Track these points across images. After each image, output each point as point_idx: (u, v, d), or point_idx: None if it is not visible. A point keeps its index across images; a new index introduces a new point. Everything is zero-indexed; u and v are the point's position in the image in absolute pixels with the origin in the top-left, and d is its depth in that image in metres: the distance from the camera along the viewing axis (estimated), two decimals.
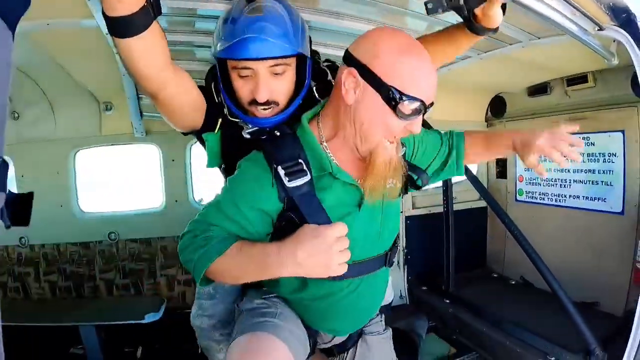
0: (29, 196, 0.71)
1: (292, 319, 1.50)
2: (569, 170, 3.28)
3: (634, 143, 2.83)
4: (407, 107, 1.24)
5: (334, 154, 1.34)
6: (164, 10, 1.92)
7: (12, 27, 0.64)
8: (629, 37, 1.81)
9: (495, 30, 1.48)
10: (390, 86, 1.22)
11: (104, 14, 1.07)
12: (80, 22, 1.95)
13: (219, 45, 1.41)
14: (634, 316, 1.88)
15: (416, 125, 1.29)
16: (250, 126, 1.51)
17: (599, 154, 3.04)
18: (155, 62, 1.27)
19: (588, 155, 3.11)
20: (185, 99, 1.49)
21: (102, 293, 3.82)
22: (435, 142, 1.70)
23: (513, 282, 3.70)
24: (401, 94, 1.22)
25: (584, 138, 3.08)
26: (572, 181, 3.29)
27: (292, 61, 1.45)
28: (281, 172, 1.26)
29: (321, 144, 1.33)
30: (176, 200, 3.78)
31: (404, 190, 1.49)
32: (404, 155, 1.41)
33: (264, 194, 1.27)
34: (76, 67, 2.78)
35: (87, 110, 3.54)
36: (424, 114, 1.28)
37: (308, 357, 1.53)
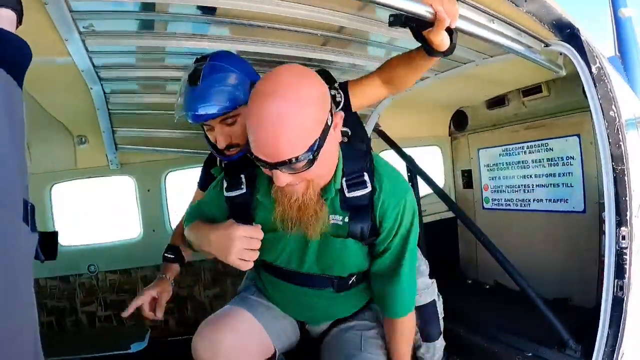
0: (55, 234, 0.88)
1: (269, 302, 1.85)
2: (531, 176, 3.43)
3: (589, 145, 3.00)
4: (256, 158, 1.28)
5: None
6: (133, 48, 2.04)
7: (20, 82, 0.72)
8: (574, 50, 1.96)
9: (447, 53, 1.56)
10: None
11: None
12: (57, 60, 2.01)
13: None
14: (606, 308, 1.96)
15: (276, 178, 1.28)
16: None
17: (558, 158, 3.21)
18: None
19: (548, 160, 3.28)
20: None
21: (84, 326, 3.77)
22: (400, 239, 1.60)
23: (487, 286, 3.82)
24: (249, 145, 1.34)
25: (542, 145, 3.26)
26: (534, 186, 3.45)
27: (242, 109, 1.65)
28: (224, 184, 1.61)
29: None
30: (153, 230, 3.78)
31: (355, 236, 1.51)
32: (346, 196, 1.47)
33: (217, 196, 1.66)
34: (50, 102, 2.80)
35: (61, 144, 3.53)
36: (285, 169, 1.26)
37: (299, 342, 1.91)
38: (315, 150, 1.27)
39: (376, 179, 1.50)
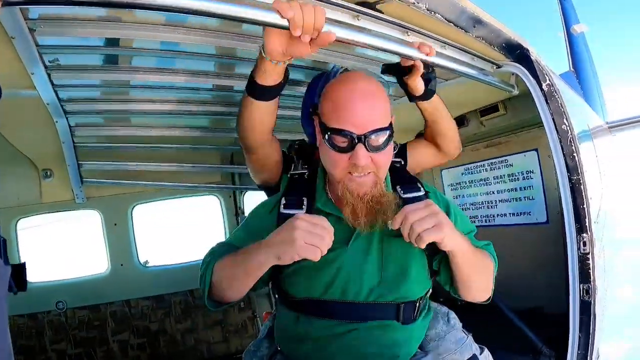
0: (23, 265, 0.86)
1: None
2: (494, 192, 3.52)
3: (547, 158, 3.11)
4: (336, 139, 1.33)
5: (331, 193, 1.52)
6: (98, 82, 2.04)
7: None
8: (524, 69, 2.05)
9: (426, 97, 1.80)
10: (321, 121, 1.39)
11: (252, 81, 1.46)
12: (22, 93, 2.00)
13: None
14: (574, 313, 2.03)
15: (356, 156, 1.30)
16: None
17: (518, 173, 3.31)
18: (269, 124, 1.62)
19: (509, 175, 3.38)
20: (274, 159, 1.82)
21: None
22: (463, 228, 1.57)
23: (460, 303, 3.86)
24: (325, 126, 1.36)
25: (502, 161, 3.36)
26: (497, 201, 3.53)
27: None
28: (282, 201, 1.53)
29: (326, 184, 1.55)
30: (121, 264, 3.74)
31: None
32: (402, 197, 1.49)
33: (268, 217, 1.53)
34: (16, 135, 2.77)
35: (27, 178, 3.48)
36: (367, 145, 1.30)
37: None
38: (392, 128, 1.38)
39: (424, 187, 1.60)
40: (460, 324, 1.88)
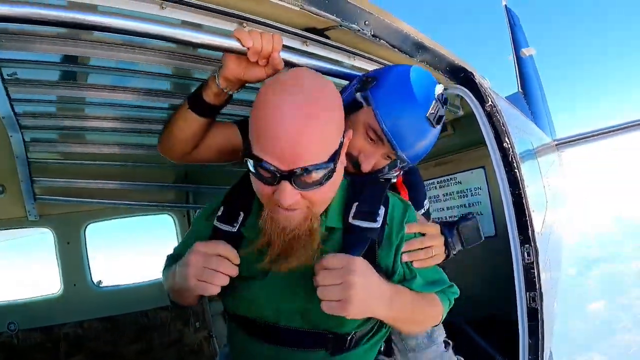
0: None
1: None
2: (443, 209, 3.67)
3: (493, 175, 3.26)
4: (258, 168, 1.07)
5: None
6: (54, 98, 2.07)
7: None
8: (468, 92, 2.16)
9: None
10: (249, 141, 1.12)
11: (198, 97, 1.43)
12: None
13: None
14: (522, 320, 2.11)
15: (280, 194, 1.06)
16: None
17: (467, 189, 3.48)
18: (198, 139, 1.55)
19: (458, 192, 3.53)
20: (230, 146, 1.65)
21: None
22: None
23: None
24: (248, 147, 1.10)
25: (452, 179, 3.51)
26: (448, 218, 3.68)
27: None
28: (219, 212, 1.36)
29: None
30: (75, 284, 3.63)
31: None
32: (349, 221, 1.26)
33: (204, 227, 1.40)
34: None
35: None
36: (294, 183, 1.05)
37: None
38: (335, 160, 1.10)
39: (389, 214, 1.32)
40: (444, 335, 1.90)
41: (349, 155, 1.38)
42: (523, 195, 2.11)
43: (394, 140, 1.41)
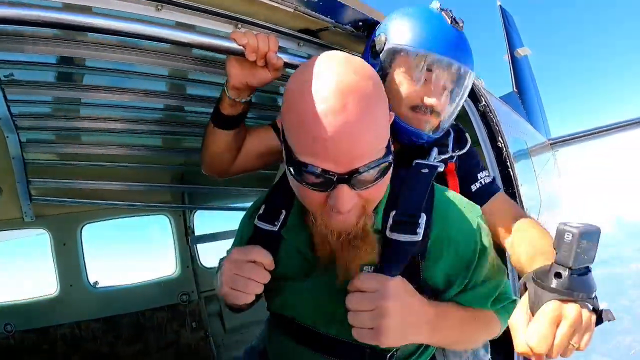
0: None
1: None
2: None
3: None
4: (307, 176, 0.92)
5: None
6: (50, 99, 2.09)
7: None
8: None
9: None
10: (285, 142, 0.98)
11: (218, 111, 1.44)
12: None
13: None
14: None
15: (338, 200, 0.91)
16: None
17: None
18: (233, 152, 1.57)
19: None
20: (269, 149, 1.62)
21: None
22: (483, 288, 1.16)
23: None
24: (290, 153, 0.95)
25: None
26: None
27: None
28: (260, 211, 1.25)
29: None
30: (71, 285, 3.63)
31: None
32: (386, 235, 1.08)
33: (246, 226, 1.33)
34: None
35: None
36: (353, 184, 0.91)
37: None
38: (391, 151, 0.98)
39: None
40: (488, 355, 1.61)
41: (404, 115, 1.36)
42: (517, 194, 2.13)
43: (441, 53, 1.32)
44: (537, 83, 8.70)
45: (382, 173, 0.94)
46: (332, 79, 0.87)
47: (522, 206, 2.12)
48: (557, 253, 0.82)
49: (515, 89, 7.33)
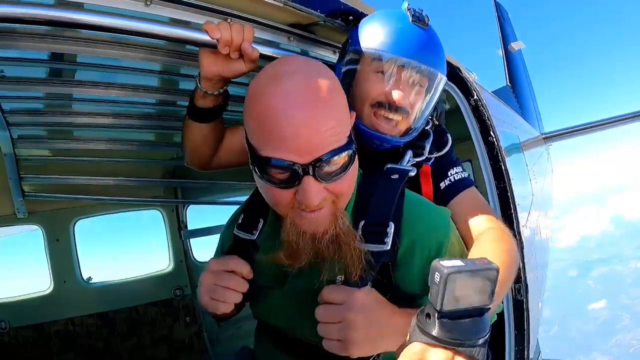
0: None
1: None
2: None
3: (479, 167, 3.31)
4: (272, 171, 0.95)
5: None
6: (42, 95, 2.06)
7: None
8: (454, 86, 2.18)
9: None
10: (248, 142, 1.01)
11: (192, 105, 1.40)
12: None
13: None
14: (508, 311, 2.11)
15: (305, 194, 0.93)
16: None
17: None
18: (212, 145, 1.54)
19: None
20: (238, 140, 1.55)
21: None
22: None
23: None
24: (254, 152, 0.97)
25: None
26: None
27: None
28: (239, 220, 1.27)
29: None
30: (64, 281, 3.63)
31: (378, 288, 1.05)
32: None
33: (227, 237, 1.34)
34: None
35: None
36: (317, 176, 0.93)
37: None
38: (353, 140, 1.00)
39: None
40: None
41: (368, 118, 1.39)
42: (508, 189, 2.12)
43: (404, 55, 1.34)
44: (530, 78, 8.71)
45: (347, 163, 0.97)
46: (288, 76, 0.93)
47: (513, 200, 2.12)
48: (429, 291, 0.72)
49: (508, 83, 7.33)
